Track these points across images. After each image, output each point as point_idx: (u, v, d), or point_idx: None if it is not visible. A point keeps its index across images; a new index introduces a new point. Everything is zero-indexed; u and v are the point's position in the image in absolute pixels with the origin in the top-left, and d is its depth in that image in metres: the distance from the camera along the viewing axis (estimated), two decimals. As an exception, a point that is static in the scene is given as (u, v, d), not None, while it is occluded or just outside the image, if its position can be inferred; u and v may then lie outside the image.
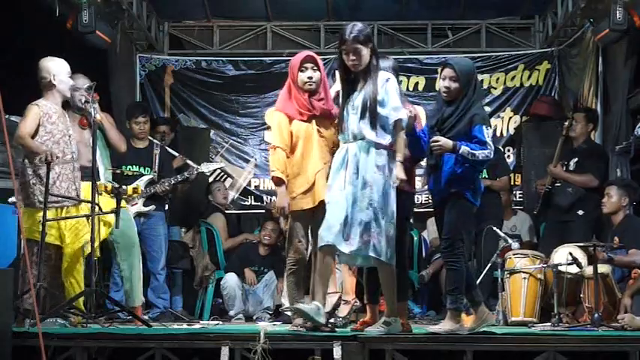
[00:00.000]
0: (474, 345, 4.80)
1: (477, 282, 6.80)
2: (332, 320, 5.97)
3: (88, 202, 5.67)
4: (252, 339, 4.66)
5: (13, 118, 7.02)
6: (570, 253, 6.24)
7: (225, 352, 4.72)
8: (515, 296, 6.60)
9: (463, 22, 9.72)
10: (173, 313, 7.44)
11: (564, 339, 4.94)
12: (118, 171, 6.91)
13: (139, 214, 7.29)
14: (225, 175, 9.28)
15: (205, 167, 7.84)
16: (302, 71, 5.28)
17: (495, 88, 9.43)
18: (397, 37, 9.76)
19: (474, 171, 5.17)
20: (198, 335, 5.09)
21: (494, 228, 7.03)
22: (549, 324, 6.08)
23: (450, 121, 5.15)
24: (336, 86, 5.49)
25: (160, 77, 9.52)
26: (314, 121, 5.26)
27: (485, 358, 4.80)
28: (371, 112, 5.03)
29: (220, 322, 6.87)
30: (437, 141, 5.08)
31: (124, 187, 6.08)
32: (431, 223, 8.83)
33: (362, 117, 5.05)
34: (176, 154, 7.99)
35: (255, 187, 9.47)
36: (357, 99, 5.09)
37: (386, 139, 5.07)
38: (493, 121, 9.32)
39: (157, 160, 7.53)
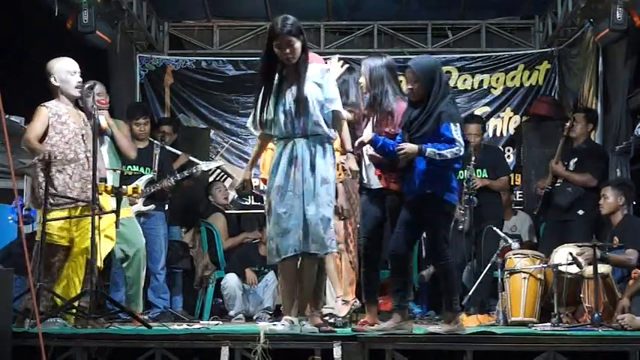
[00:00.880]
0: (473, 345, 4.80)
1: (477, 282, 6.87)
2: (332, 320, 5.99)
3: (86, 202, 5.67)
4: (252, 339, 4.66)
5: (13, 118, 7.04)
6: (570, 253, 6.24)
7: (225, 352, 4.72)
8: (515, 296, 6.60)
9: (463, 22, 9.72)
10: (173, 313, 7.44)
11: (564, 339, 4.93)
12: (118, 171, 6.91)
13: (138, 214, 7.29)
14: (225, 175, 9.28)
15: (205, 166, 7.85)
16: None
17: (495, 88, 9.44)
18: (397, 37, 9.76)
19: (448, 169, 5.13)
20: (198, 335, 5.09)
21: (494, 228, 7.03)
22: (549, 324, 6.07)
23: (417, 122, 5.11)
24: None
25: (160, 77, 9.53)
26: None
27: (485, 358, 4.80)
28: (319, 104, 4.95)
29: (220, 322, 6.87)
30: (401, 148, 5.03)
31: (123, 187, 6.08)
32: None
33: (305, 110, 4.93)
34: (179, 152, 8.01)
35: (255, 187, 9.46)
36: (292, 93, 4.96)
37: (332, 133, 5.04)
38: (493, 121, 9.35)
39: (156, 160, 7.53)
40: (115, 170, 6.30)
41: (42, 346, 4.34)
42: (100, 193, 5.67)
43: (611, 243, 6.37)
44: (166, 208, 7.72)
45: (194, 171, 7.60)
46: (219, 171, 9.04)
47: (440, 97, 5.11)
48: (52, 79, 5.82)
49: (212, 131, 9.38)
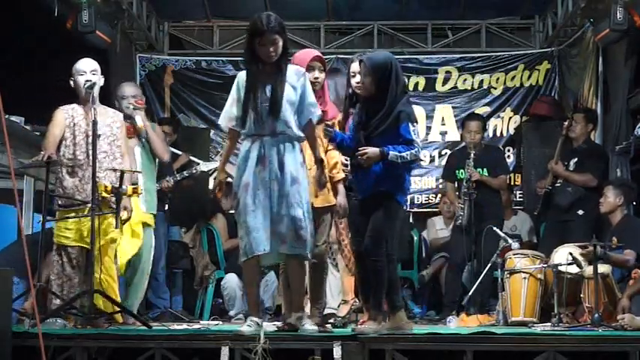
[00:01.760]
0: (473, 345, 4.79)
1: (477, 282, 6.87)
2: (331, 320, 5.99)
3: (86, 202, 5.68)
4: (252, 339, 4.65)
5: (13, 118, 7.03)
6: (570, 253, 6.25)
7: (225, 352, 4.72)
8: (515, 296, 6.60)
9: (463, 22, 9.72)
10: (173, 313, 7.44)
11: (564, 339, 4.93)
12: (118, 171, 6.90)
13: (138, 214, 7.30)
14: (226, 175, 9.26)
15: (205, 166, 7.85)
16: (309, 70, 5.23)
17: (495, 88, 9.43)
18: (397, 37, 9.76)
19: (404, 169, 5.08)
20: (198, 335, 5.09)
21: (494, 228, 7.03)
22: (549, 324, 6.08)
23: (375, 120, 5.04)
24: None
25: (160, 77, 9.53)
26: None
27: (485, 358, 4.80)
28: (290, 105, 4.88)
29: (220, 322, 6.87)
30: (364, 153, 4.95)
31: (123, 187, 6.08)
32: (431, 223, 8.85)
33: (279, 110, 4.84)
34: (179, 152, 8.01)
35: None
36: (266, 92, 4.86)
37: (301, 134, 4.96)
38: (493, 121, 9.35)
39: (157, 160, 7.53)
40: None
41: (42, 346, 4.34)
42: (100, 193, 5.67)
43: (610, 243, 6.37)
44: (166, 208, 7.71)
45: (193, 171, 7.61)
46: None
47: (398, 95, 5.05)
48: (70, 81, 5.88)
49: (212, 131, 9.37)
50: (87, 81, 5.79)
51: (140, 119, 6.34)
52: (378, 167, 5.00)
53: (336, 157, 5.51)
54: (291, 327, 5.04)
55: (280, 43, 4.88)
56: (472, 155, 7.34)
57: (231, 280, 7.87)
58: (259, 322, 4.86)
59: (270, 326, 5.14)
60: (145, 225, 6.42)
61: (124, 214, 5.73)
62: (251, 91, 4.88)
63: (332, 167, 5.47)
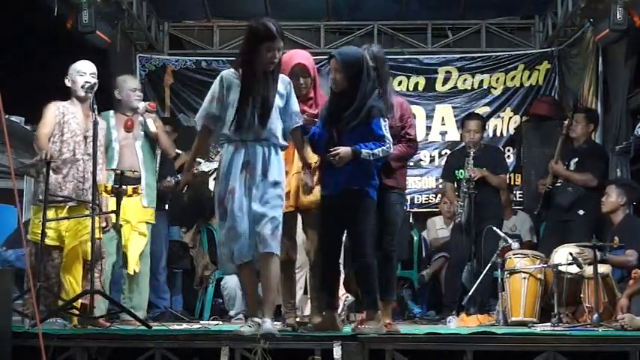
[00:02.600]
0: (473, 345, 4.79)
1: (477, 282, 6.87)
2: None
3: (87, 201, 5.68)
4: (252, 339, 4.65)
5: (13, 118, 7.04)
6: (570, 253, 6.25)
7: (225, 352, 4.72)
8: (515, 296, 6.60)
9: (463, 22, 9.72)
10: (173, 313, 7.44)
11: (564, 339, 4.93)
12: (118, 171, 6.91)
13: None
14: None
15: (205, 167, 7.84)
16: (291, 77, 5.15)
17: (495, 88, 9.43)
18: (397, 37, 9.76)
19: (372, 165, 5.11)
20: (198, 335, 5.09)
21: (494, 228, 7.03)
22: (549, 324, 6.08)
23: (347, 115, 5.04)
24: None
25: (160, 77, 9.53)
26: None
27: (485, 358, 4.79)
28: (277, 113, 4.84)
29: (220, 322, 6.87)
30: (336, 153, 4.95)
31: (124, 187, 6.08)
32: (431, 223, 8.85)
33: (269, 118, 4.80)
34: (180, 152, 8.00)
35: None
36: (261, 98, 4.80)
37: (285, 142, 4.94)
38: (493, 121, 9.34)
39: (157, 161, 7.53)
40: (115, 170, 6.28)
41: (42, 346, 4.34)
42: (100, 193, 5.67)
43: (611, 243, 6.37)
44: (166, 207, 7.72)
45: (194, 172, 7.59)
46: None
47: (369, 90, 5.07)
48: (66, 80, 5.89)
49: (212, 131, 9.36)
50: (86, 82, 5.79)
51: (152, 123, 6.37)
52: (349, 164, 5.02)
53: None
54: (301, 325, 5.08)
55: (281, 51, 4.87)
56: (472, 153, 7.35)
57: (231, 280, 7.86)
58: (260, 323, 4.86)
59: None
60: (148, 223, 6.45)
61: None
62: (247, 96, 4.80)
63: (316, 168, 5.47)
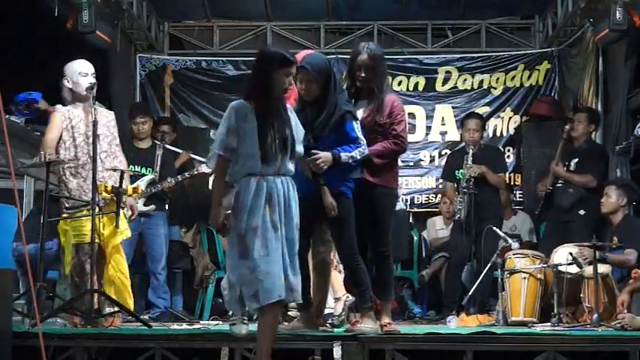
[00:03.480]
0: (474, 345, 4.80)
1: (477, 282, 6.87)
2: (330, 320, 5.98)
3: (85, 203, 5.69)
4: (252, 339, 4.66)
5: (13, 118, 7.04)
6: (570, 253, 6.25)
7: (225, 352, 4.72)
8: (515, 296, 6.60)
9: (463, 22, 9.72)
10: (173, 313, 7.44)
11: (564, 339, 4.94)
12: (119, 171, 6.91)
13: (139, 214, 7.29)
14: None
15: (206, 167, 7.84)
16: None
17: (495, 88, 9.43)
18: (397, 37, 9.76)
19: (350, 167, 5.15)
20: (198, 335, 5.09)
21: (494, 228, 7.04)
22: (549, 324, 6.08)
23: (320, 121, 5.08)
24: None
25: (160, 77, 9.52)
26: None
27: (485, 358, 4.80)
28: (293, 146, 4.63)
29: (220, 322, 6.86)
30: (317, 158, 4.94)
31: (124, 187, 6.07)
32: (431, 223, 8.85)
33: (288, 149, 4.55)
34: (180, 150, 8.01)
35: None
36: (279, 128, 4.54)
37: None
38: (493, 121, 9.35)
39: (158, 161, 7.54)
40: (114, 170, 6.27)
41: (42, 346, 4.34)
42: (100, 193, 5.68)
43: (611, 243, 6.37)
44: (166, 207, 7.72)
45: (194, 173, 7.61)
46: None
47: (337, 95, 5.13)
48: (65, 81, 5.86)
49: (212, 131, 9.35)
50: (90, 83, 5.79)
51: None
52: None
53: None
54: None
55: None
56: (470, 151, 7.36)
57: (232, 280, 7.85)
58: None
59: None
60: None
61: (128, 213, 5.82)
62: (268, 125, 4.51)
63: None
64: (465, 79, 9.45)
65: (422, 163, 9.37)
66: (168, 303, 7.57)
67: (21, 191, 7.88)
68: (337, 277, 6.18)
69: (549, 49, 9.39)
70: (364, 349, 4.75)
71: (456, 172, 7.67)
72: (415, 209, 9.30)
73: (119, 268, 5.86)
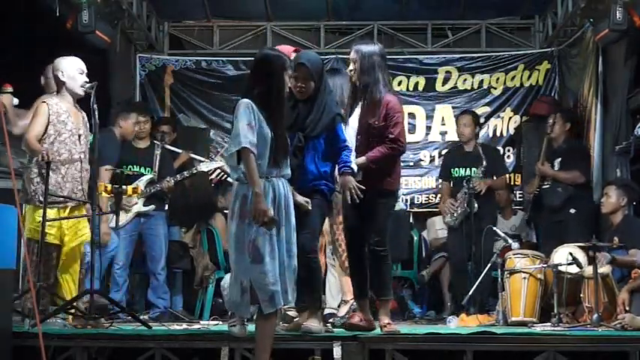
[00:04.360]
0: (474, 345, 4.80)
1: (477, 282, 6.87)
2: (331, 320, 5.99)
3: (78, 201, 5.68)
4: (252, 339, 4.66)
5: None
6: (570, 253, 6.25)
7: (225, 352, 4.73)
8: (515, 296, 6.60)
9: (463, 22, 9.71)
10: (173, 313, 7.44)
11: (564, 339, 4.94)
12: (118, 171, 6.92)
13: (139, 214, 7.30)
14: (226, 176, 9.27)
15: (205, 167, 7.84)
16: None
17: (495, 88, 9.42)
18: (397, 37, 9.75)
19: (334, 168, 5.24)
20: (198, 335, 5.10)
21: (495, 228, 7.05)
22: (549, 324, 6.08)
23: (311, 120, 5.09)
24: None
25: (160, 77, 9.52)
26: None
27: (485, 358, 4.81)
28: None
29: (220, 322, 6.86)
30: (352, 187, 5.13)
31: (123, 186, 6.08)
32: (431, 223, 8.85)
33: (288, 152, 4.63)
34: (179, 150, 8.01)
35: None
36: (282, 130, 4.60)
37: None
38: (493, 121, 9.35)
39: (157, 161, 7.54)
40: (115, 170, 6.28)
41: (42, 346, 4.34)
42: (100, 193, 5.68)
43: (611, 243, 6.37)
44: (166, 208, 7.72)
45: (194, 172, 7.61)
46: (219, 171, 9.02)
47: (327, 94, 5.17)
48: (59, 74, 5.80)
49: (212, 131, 9.36)
50: (86, 82, 5.78)
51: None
52: (313, 167, 5.12)
53: None
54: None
55: None
56: (482, 167, 7.41)
57: (232, 280, 7.85)
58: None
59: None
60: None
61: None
62: (280, 129, 4.55)
63: None
64: (465, 79, 9.45)
65: (422, 163, 9.37)
66: (168, 303, 7.57)
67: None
68: (347, 281, 6.19)
69: (549, 49, 9.38)
70: (364, 349, 4.75)
71: (452, 170, 7.73)
72: (415, 209, 9.29)
73: (69, 270, 5.79)
